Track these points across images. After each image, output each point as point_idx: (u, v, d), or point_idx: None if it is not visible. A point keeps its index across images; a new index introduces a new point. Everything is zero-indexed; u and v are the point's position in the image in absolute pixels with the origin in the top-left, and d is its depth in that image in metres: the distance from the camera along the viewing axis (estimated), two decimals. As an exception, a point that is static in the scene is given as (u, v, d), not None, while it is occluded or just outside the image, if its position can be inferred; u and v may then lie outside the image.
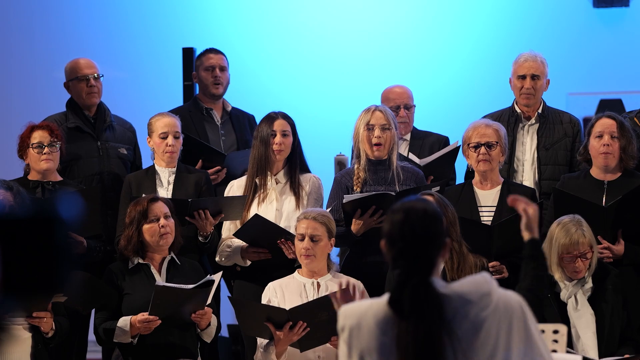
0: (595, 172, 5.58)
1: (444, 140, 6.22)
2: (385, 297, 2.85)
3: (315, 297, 5.00)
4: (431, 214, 2.84)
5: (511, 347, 2.79)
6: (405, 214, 2.82)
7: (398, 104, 6.20)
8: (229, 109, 6.45)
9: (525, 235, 3.29)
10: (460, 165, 6.02)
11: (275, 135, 5.57)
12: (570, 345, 4.84)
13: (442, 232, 2.85)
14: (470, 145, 5.50)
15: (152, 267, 5.21)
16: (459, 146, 5.76)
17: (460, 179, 6.07)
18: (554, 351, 3.91)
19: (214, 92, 6.39)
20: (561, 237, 4.95)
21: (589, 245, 4.98)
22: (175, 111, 6.43)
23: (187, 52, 7.05)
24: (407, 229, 2.80)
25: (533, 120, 6.00)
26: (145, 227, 5.16)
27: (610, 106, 7.39)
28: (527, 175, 5.92)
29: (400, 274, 2.79)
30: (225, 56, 6.49)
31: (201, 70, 6.43)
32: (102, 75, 6.19)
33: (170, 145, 5.73)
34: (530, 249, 3.29)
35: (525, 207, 3.25)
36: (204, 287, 4.97)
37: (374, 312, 2.81)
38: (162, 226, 5.16)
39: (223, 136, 6.36)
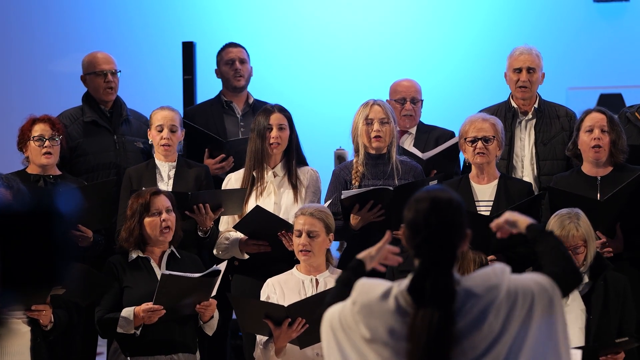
0: (586, 168, 5.54)
1: (450, 135, 6.19)
2: (403, 283, 2.79)
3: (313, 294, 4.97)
4: (456, 204, 2.80)
5: (530, 327, 2.75)
6: (432, 202, 2.77)
7: (405, 97, 6.20)
8: (251, 101, 6.41)
9: (522, 228, 3.21)
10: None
11: (272, 129, 5.56)
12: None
13: (465, 223, 2.81)
14: (467, 139, 5.48)
15: (152, 261, 5.20)
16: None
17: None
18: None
19: (236, 84, 6.36)
20: (554, 230, 4.85)
21: (581, 240, 4.88)
22: (197, 106, 6.43)
23: (187, 46, 7.05)
24: (433, 218, 2.75)
25: (530, 115, 5.98)
26: (147, 220, 5.15)
27: (610, 101, 7.39)
28: (527, 171, 5.90)
29: (423, 262, 2.75)
30: (245, 49, 6.46)
31: (222, 65, 6.41)
32: (120, 71, 6.18)
33: (165, 139, 5.72)
34: (531, 234, 3.18)
35: (497, 225, 3.25)
36: (210, 276, 4.97)
37: (389, 295, 2.76)
38: (164, 220, 5.14)
39: (242, 128, 6.31)
